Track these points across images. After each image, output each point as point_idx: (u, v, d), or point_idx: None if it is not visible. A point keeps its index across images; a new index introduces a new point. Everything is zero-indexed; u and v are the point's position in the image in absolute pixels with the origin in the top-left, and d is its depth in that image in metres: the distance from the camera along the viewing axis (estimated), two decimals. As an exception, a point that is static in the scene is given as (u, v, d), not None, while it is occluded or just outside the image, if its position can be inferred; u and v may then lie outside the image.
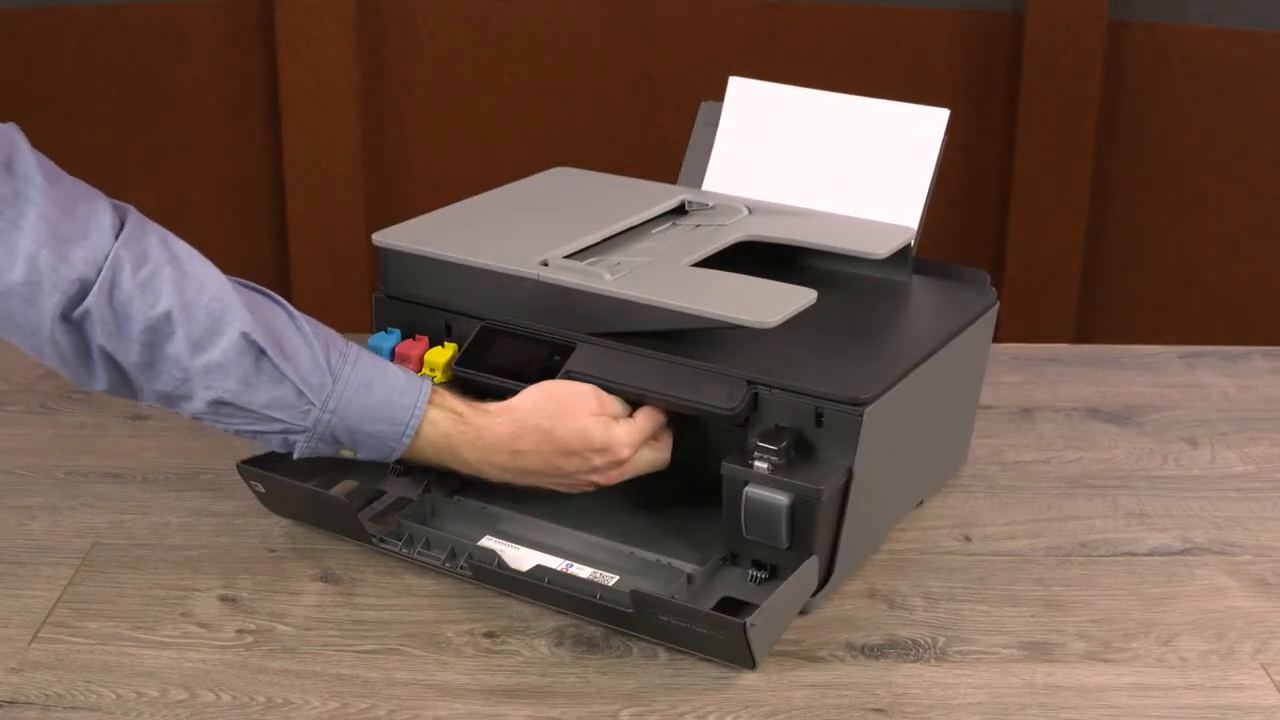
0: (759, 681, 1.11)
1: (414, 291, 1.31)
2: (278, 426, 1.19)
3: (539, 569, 1.19)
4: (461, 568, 1.21)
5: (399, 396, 1.19)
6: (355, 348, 1.21)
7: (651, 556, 1.21)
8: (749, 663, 1.11)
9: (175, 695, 1.08)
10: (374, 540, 1.25)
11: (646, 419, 1.21)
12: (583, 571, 1.20)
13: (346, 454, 1.21)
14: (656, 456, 1.23)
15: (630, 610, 1.13)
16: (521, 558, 1.22)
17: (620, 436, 1.20)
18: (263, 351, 1.17)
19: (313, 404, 1.18)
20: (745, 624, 1.07)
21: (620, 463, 1.20)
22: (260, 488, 1.29)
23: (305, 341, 1.19)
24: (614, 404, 1.21)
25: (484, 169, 2.59)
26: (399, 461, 1.23)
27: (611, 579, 1.19)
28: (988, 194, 2.65)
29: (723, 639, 1.10)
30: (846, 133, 1.41)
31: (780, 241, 1.35)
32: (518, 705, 1.08)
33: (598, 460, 1.19)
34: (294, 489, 1.27)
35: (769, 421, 1.17)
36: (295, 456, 1.21)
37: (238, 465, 1.28)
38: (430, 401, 1.20)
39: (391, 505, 1.31)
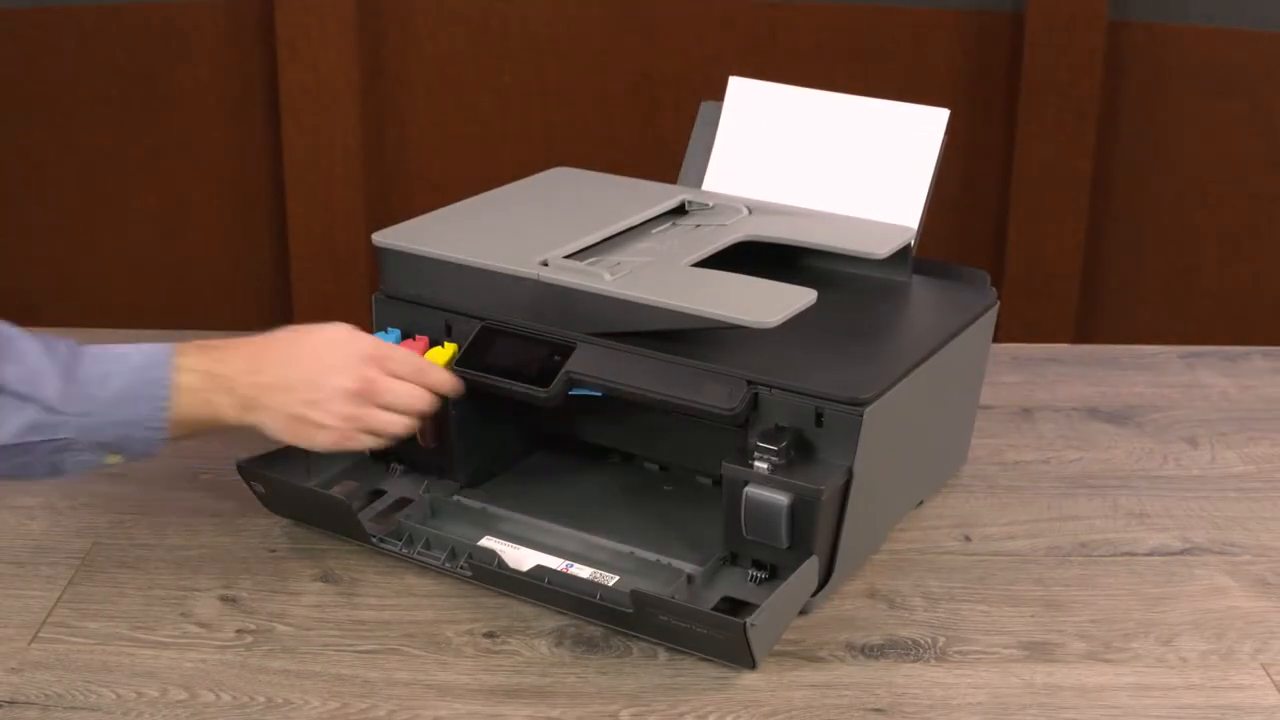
0: (759, 681, 1.11)
1: (414, 291, 1.31)
2: (38, 451, 1.11)
3: (539, 569, 1.19)
4: (461, 568, 1.21)
5: (144, 372, 1.13)
6: (81, 347, 1.14)
7: (651, 556, 1.21)
8: (749, 663, 1.11)
9: (175, 695, 1.08)
10: (374, 540, 1.25)
11: (426, 367, 1.21)
12: (583, 571, 1.20)
13: (114, 459, 1.15)
14: (418, 399, 1.20)
15: (630, 610, 1.13)
16: (521, 558, 1.22)
17: (379, 345, 1.19)
18: None
19: (62, 414, 1.11)
20: (745, 624, 1.07)
21: (370, 356, 1.17)
22: (260, 488, 1.29)
23: (30, 358, 1.12)
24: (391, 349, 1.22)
25: (484, 169, 2.58)
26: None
27: (611, 579, 1.19)
28: (988, 194, 2.65)
29: (723, 639, 1.10)
30: (846, 133, 1.41)
31: (780, 241, 1.35)
32: (518, 705, 1.08)
33: (361, 362, 1.17)
34: (294, 489, 1.27)
35: (769, 421, 1.17)
36: (67, 477, 1.15)
37: (238, 465, 1.28)
38: (178, 354, 1.14)
39: (391, 505, 1.31)
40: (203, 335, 1.70)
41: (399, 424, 1.20)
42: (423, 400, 1.21)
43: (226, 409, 1.16)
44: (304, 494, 1.27)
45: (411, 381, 1.21)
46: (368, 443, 1.20)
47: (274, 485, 1.27)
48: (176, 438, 1.15)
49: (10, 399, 1.10)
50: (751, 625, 1.08)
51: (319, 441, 1.18)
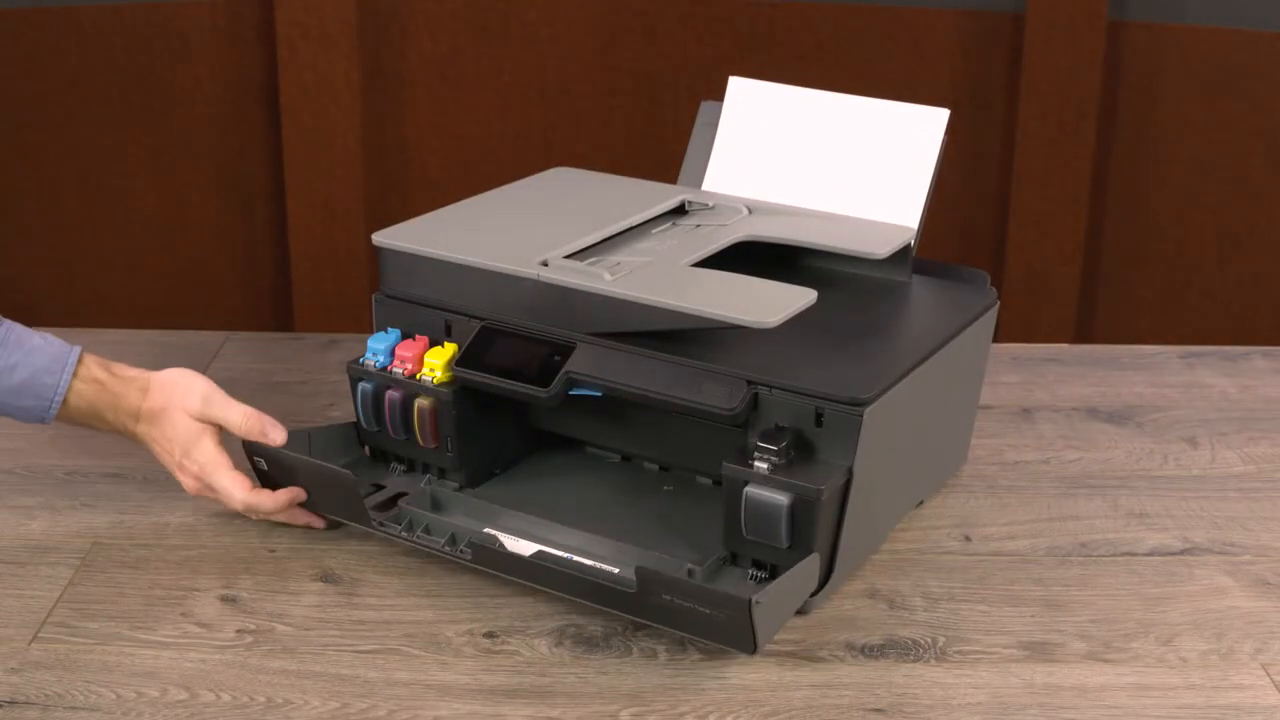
0: (759, 681, 1.11)
1: (414, 291, 1.31)
2: None
3: (541, 554, 1.19)
4: (462, 551, 1.21)
5: (43, 375, 1.26)
6: (3, 328, 1.26)
7: (653, 553, 1.21)
8: (750, 646, 1.11)
9: (175, 695, 1.08)
10: (375, 524, 1.25)
11: (253, 497, 1.28)
12: (585, 560, 1.20)
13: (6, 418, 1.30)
14: (232, 490, 1.28)
15: (633, 592, 1.12)
16: (523, 548, 1.22)
17: (206, 467, 1.27)
18: None
19: None
20: (750, 601, 1.07)
21: (197, 475, 1.28)
22: (263, 464, 1.29)
23: None
24: (222, 411, 1.29)
25: (484, 169, 2.59)
26: None
27: (614, 570, 1.19)
28: (988, 194, 2.65)
29: (725, 619, 1.10)
30: (846, 133, 1.41)
31: (780, 241, 1.35)
32: (518, 705, 1.08)
33: (178, 454, 1.28)
34: (298, 464, 1.27)
35: (769, 421, 1.17)
36: None
37: (243, 443, 1.28)
38: (75, 375, 1.27)
39: (394, 497, 1.31)
40: (203, 335, 1.71)
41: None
42: (254, 517, 1.30)
43: (102, 428, 1.31)
44: (308, 469, 1.27)
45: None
46: None
47: (277, 462, 1.27)
48: (62, 423, 1.30)
49: None
50: (757, 603, 1.07)
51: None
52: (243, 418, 1.28)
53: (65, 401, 1.27)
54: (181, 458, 1.28)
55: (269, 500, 1.27)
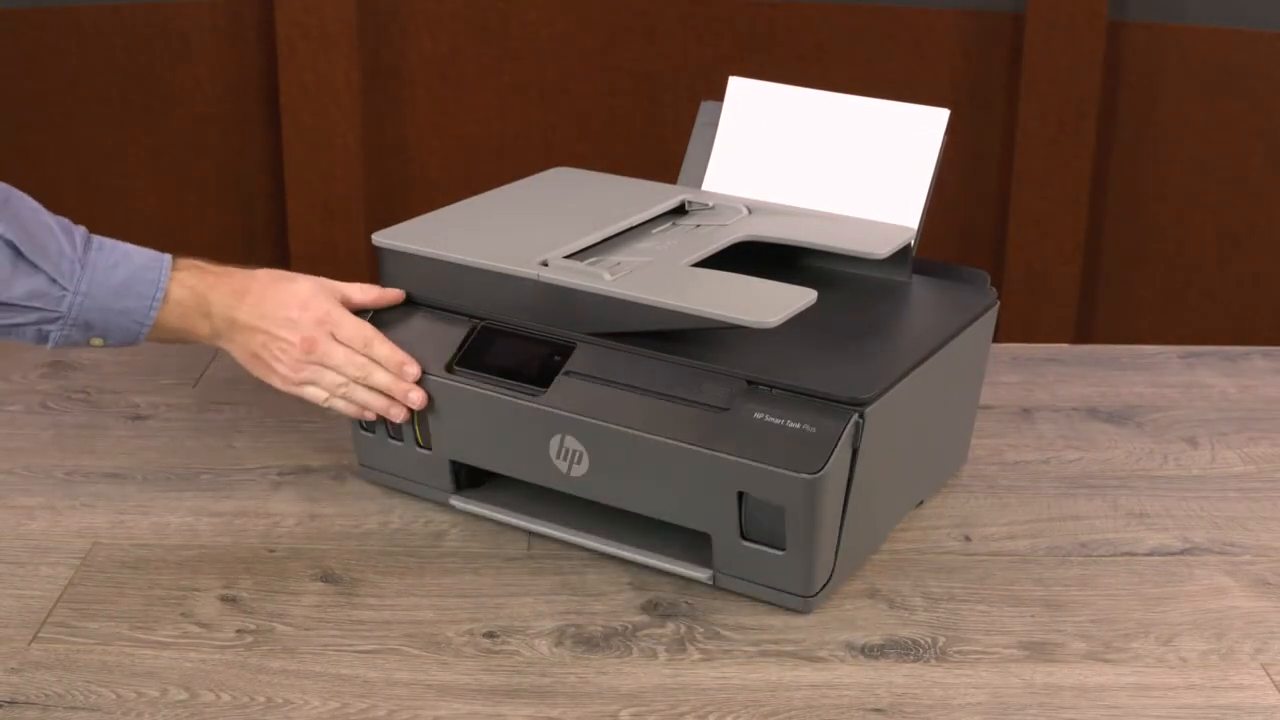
0: (759, 681, 1.11)
1: (414, 291, 1.31)
2: (34, 316, 1.25)
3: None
4: (528, 381, 1.23)
5: (143, 272, 1.27)
6: (97, 237, 1.28)
7: (653, 560, 1.21)
8: (819, 461, 1.11)
9: (175, 695, 1.09)
10: (451, 369, 1.26)
11: (376, 341, 1.27)
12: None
13: (97, 342, 1.28)
14: (363, 297, 1.30)
15: (722, 410, 1.14)
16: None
17: (333, 311, 1.27)
18: (17, 248, 1.22)
19: (65, 289, 1.24)
20: (854, 416, 1.11)
21: (320, 319, 1.27)
22: None
23: (53, 234, 1.25)
24: (342, 286, 1.30)
25: (484, 169, 2.59)
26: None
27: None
28: (988, 194, 2.65)
29: (810, 436, 1.11)
30: (846, 133, 1.41)
31: (780, 241, 1.35)
32: (518, 705, 1.08)
33: (295, 309, 1.27)
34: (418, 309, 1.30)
35: (769, 421, 1.17)
36: (50, 346, 1.27)
37: None
38: (174, 268, 1.28)
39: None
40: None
41: (334, 384, 1.28)
42: (359, 368, 1.28)
43: (201, 330, 1.29)
44: (425, 313, 1.29)
45: (355, 350, 1.28)
46: (312, 394, 1.29)
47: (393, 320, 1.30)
48: (155, 339, 1.29)
49: (25, 265, 1.23)
50: (857, 417, 1.11)
51: (272, 381, 1.30)
52: (361, 288, 1.31)
53: (167, 297, 1.26)
54: (300, 310, 1.27)
55: (386, 346, 1.27)
